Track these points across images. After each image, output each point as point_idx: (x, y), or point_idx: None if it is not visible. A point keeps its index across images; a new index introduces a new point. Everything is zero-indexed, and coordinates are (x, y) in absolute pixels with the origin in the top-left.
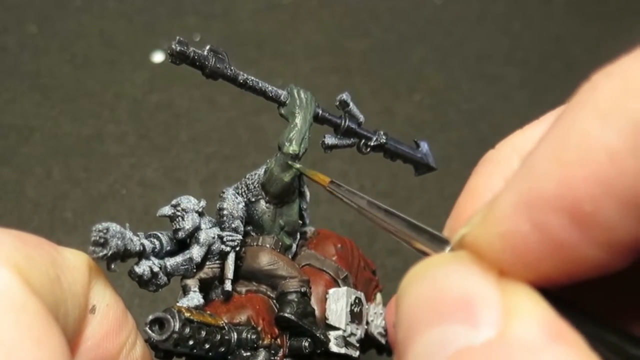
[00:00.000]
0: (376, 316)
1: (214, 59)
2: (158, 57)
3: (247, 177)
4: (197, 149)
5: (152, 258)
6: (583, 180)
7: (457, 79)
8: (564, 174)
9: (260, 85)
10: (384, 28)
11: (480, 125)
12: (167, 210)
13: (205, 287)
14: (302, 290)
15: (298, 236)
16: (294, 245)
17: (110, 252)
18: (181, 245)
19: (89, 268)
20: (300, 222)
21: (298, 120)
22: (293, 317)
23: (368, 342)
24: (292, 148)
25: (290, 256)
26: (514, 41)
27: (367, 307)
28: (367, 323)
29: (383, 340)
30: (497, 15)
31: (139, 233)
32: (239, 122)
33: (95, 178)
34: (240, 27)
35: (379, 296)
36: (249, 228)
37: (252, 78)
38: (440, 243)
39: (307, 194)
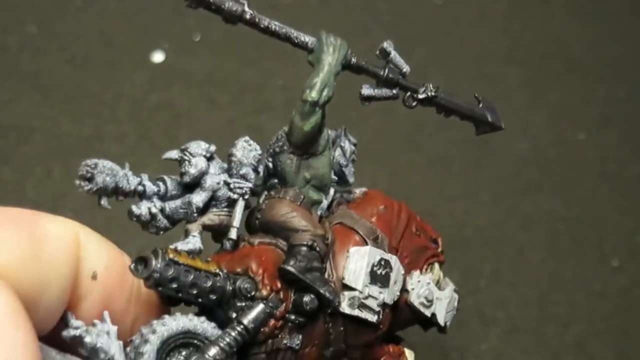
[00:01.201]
0: (419, 285)
1: (231, 2)
2: (158, 57)
3: (280, 131)
4: None
5: (155, 200)
6: None
7: (457, 79)
8: None
9: (284, 30)
10: (384, 28)
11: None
12: (174, 153)
13: (219, 236)
14: (310, 244)
15: (331, 192)
16: (325, 201)
17: (96, 188)
18: (189, 190)
19: (76, 234)
20: (336, 178)
21: (323, 65)
22: (293, 270)
23: (410, 315)
24: (312, 95)
25: (319, 212)
26: (514, 41)
27: (402, 272)
28: (407, 291)
29: (427, 312)
30: (497, 15)
31: (142, 174)
32: (239, 122)
33: None
34: (241, 27)
35: (436, 267)
36: (275, 181)
37: (276, 23)
38: None
39: (348, 148)
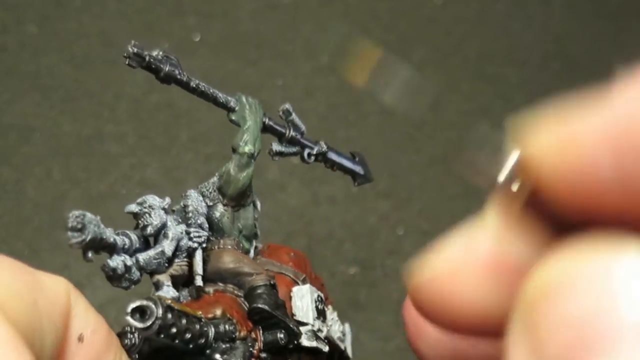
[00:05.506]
0: (334, 321)
1: (168, 64)
2: None
3: (199, 187)
4: (197, 149)
5: (123, 254)
6: None
7: (457, 79)
8: None
9: (211, 91)
10: (384, 28)
11: (480, 125)
12: (133, 207)
13: (174, 287)
14: (271, 283)
15: (254, 243)
16: (252, 251)
17: (89, 237)
18: (148, 245)
19: (68, 292)
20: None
21: (250, 122)
22: (267, 308)
23: (330, 349)
24: (248, 147)
25: None
26: (514, 41)
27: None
28: (328, 327)
29: (342, 346)
30: (497, 15)
31: (107, 228)
32: None
33: (95, 178)
34: (240, 27)
35: (330, 307)
36: (209, 233)
37: (204, 84)
38: None
39: (258, 203)
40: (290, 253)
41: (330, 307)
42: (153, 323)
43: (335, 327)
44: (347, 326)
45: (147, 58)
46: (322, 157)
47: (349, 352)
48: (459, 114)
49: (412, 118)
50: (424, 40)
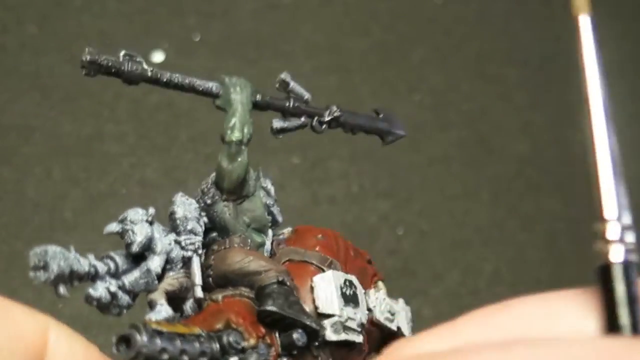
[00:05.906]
0: (378, 302)
1: (129, 63)
2: (158, 57)
3: (201, 184)
4: (197, 149)
5: (109, 279)
6: None
7: (457, 79)
8: None
9: (187, 81)
10: (384, 28)
11: (480, 125)
12: (114, 226)
13: (177, 302)
14: (280, 280)
15: (270, 233)
16: (268, 243)
17: (53, 275)
18: (139, 262)
19: (44, 329)
20: (270, 217)
21: (235, 105)
22: (275, 309)
23: (378, 334)
24: (235, 135)
25: (265, 255)
26: (514, 41)
27: (363, 291)
28: (370, 310)
29: (393, 327)
30: (497, 15)
31: (88, 255)
32: None
33: (95, 178)
34: (240, 27)
35: (380, 284)
36: (214, 235)
37: (177, 75)
38: None
39: (271, 188)
40: (317, 235)
41: (380, 283)
42: (138, 353)
43: (382, 307)
44: (401, 303)
45: (104, 62)
46: (335, 122)
47: (406, 331)
48: (459, 114)
49: (412, 118)
50: (424, 40)
